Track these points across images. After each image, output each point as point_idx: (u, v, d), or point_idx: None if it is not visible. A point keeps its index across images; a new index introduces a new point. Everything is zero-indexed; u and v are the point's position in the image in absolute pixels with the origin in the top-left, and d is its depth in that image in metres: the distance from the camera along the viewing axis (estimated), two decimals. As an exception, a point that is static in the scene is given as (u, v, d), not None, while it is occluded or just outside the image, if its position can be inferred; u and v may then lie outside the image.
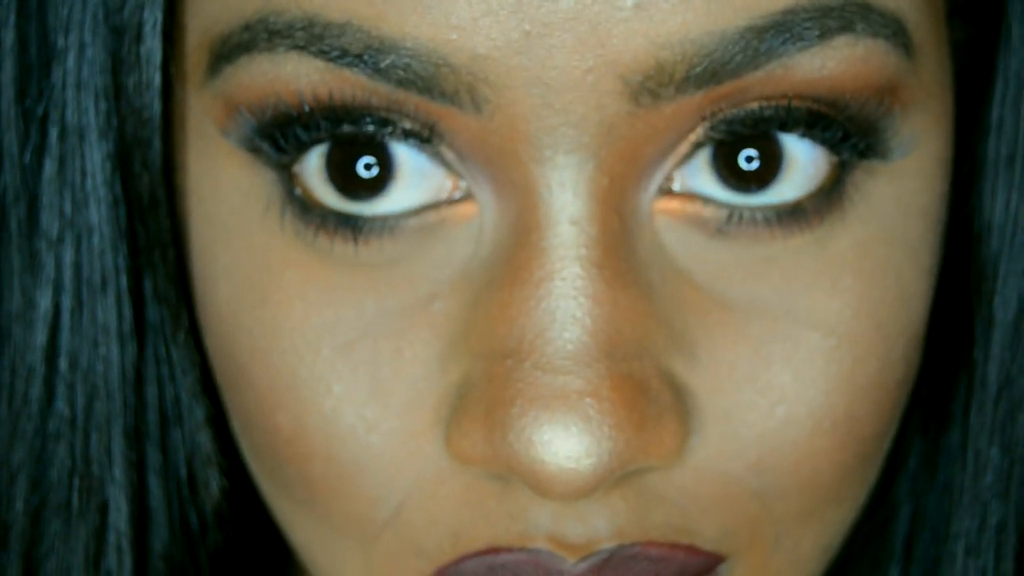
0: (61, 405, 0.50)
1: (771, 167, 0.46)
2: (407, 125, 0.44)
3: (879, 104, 0.45)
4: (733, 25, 0.43)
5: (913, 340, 0.48)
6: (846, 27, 0.44)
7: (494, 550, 0.46)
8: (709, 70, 0.43)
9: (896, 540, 0.56)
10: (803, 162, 0.46)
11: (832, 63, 0.44)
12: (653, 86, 0.43)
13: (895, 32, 0.45)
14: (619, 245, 0.44)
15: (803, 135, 0.45)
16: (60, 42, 0.48)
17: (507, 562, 0.46)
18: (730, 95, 0.44)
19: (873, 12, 0.44)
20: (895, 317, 0.47)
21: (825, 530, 0.48)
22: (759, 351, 0.46)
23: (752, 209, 0.46)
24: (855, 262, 0.46)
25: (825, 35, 0.44)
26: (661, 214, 0.45)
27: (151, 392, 0.51)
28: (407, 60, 0.43)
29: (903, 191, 0.47)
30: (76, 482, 0.51)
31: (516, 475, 0.44)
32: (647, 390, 0.44)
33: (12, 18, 0.49)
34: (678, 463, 0.46)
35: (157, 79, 0.47)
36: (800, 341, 0.46)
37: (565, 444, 0.43)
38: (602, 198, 0.44)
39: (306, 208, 0.46)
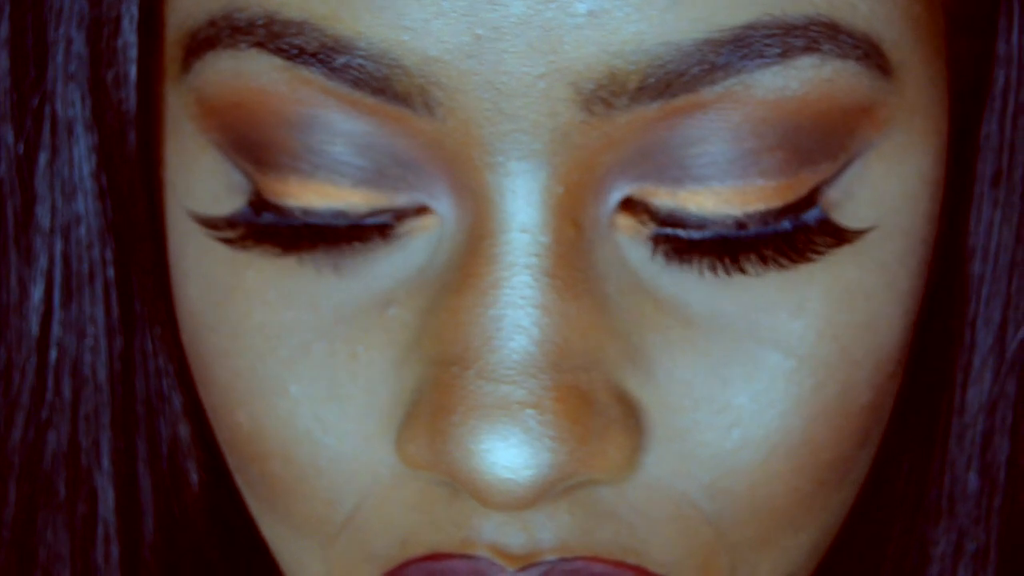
0: (51, 395, 0.51)
1: None
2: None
3: (848, 128, 0.44)
4: (690, 37, 0.42)
5: (883, 364, 0.46)
6: (811, 47, 0.42)
7: (436, 556, 0.46)
8: (664, 81, 0.42)
9: (885, 562, 0.54)
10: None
11: (796, 84, 0.43)
12: (606, 95, 0.42)
13: (867, 53, 0.43)
14: (574, 255, 0.44)
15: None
16: (52, 35, 0.49)
17: (447, 568, 0.45)
18: (687, 109, 0.43)
19: (841, 33, 0.43)
20: (862, 341, 0.45)
21: (783, 556, 0.47)
22: (718, 371, 0.45)
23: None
24: (824, 284, 0.45)
25: (788, 54, 0.42)
26: (626, 230, 0.45)
27: (139, 383, 0.52)
28: (360, 60, 0.43)
29: (881, 210, 0.46)
30: (64, 472, 0.52)
31: (457, 483, 0.44)
32: (593, 402, 0.43)
33: (7, 9, 0.50)
34: (629, 479, 0.45)
35: (133, 73, 0.47)
36: (760, 362, 0.45)
37: (504, 455, 0.42)
38: (556, 207, 0.43)
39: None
